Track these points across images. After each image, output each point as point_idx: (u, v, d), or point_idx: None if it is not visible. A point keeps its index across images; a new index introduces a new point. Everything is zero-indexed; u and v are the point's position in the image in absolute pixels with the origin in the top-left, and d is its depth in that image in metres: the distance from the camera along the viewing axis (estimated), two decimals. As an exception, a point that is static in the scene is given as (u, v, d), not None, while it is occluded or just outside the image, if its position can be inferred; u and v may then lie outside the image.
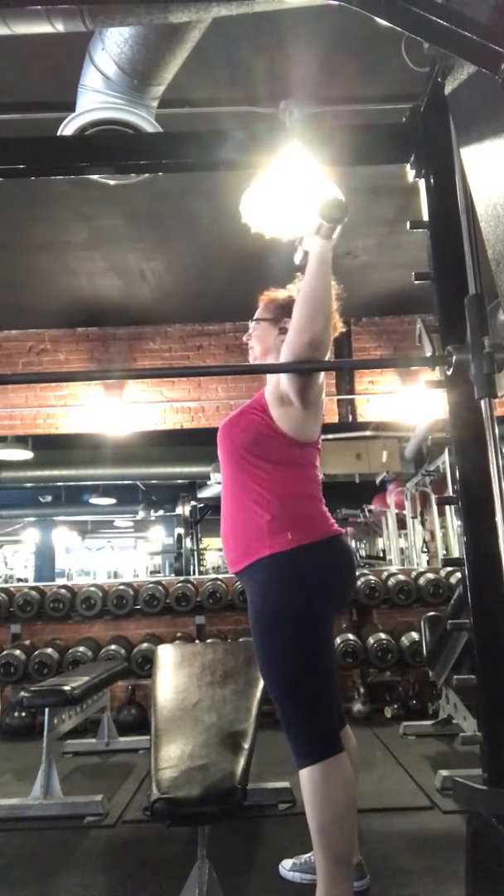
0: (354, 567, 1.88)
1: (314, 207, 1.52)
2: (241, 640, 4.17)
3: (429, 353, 1.37)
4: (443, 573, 4.68)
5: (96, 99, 2.37)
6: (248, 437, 1.80)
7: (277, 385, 1.76)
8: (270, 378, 1.82)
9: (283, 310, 1.88)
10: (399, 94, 2.53)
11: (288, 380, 1.70)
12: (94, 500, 10.02)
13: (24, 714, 4.14)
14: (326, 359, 1.79)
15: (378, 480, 8.03)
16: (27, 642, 4.58)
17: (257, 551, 1.71)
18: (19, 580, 12.74)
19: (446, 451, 5.85)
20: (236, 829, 2.46)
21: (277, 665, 1.69)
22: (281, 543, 1.69)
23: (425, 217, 1.52)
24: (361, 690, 4.30)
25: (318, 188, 1.53)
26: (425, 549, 7.94)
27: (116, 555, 16.42)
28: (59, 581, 9.66)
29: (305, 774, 1.62)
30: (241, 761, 1.77)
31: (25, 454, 6.05)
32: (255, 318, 1.97)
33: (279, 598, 1.68)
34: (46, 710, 2.85)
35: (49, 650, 4.35)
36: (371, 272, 4.70)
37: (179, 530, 10.56)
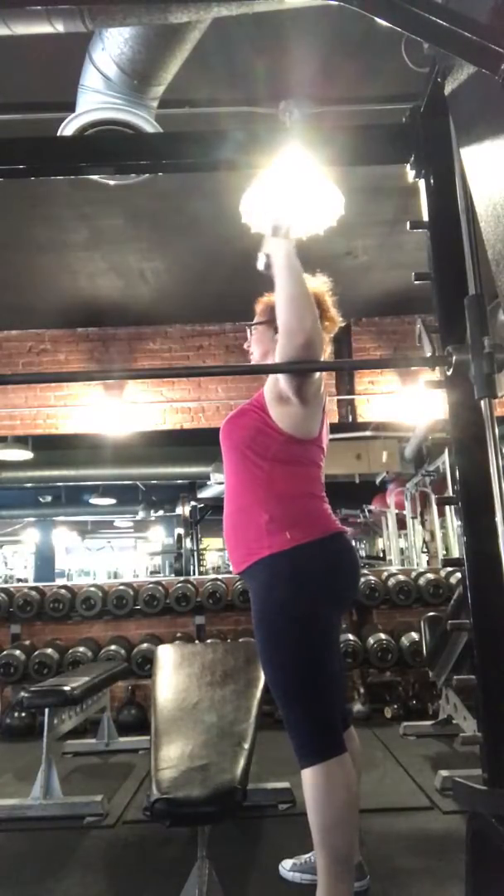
0: (357, 565, 1.88)
1: (267, 209, 1.51)
2: (241, 640, 4.17)
3: (429, 353, 1.37)
4: (443, 573, 4.68)
5: (96, 99, 2.37)
6: (248, 435, 1.80)
7: (276, 384, 1.76)
8: (269, 377, 1.83)
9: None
10: (399, 94, 2.53)
11: (286, 380, 1.71)
12: (94, 501, 10.01)
13: (24, 714, 4.14)
14: (325, 354, 1.80)
15: (378, 480, 8.03)
16: (27, 642, 4.58)
17: (257, 552, 1.71)
18: (19, 580, 12.73)
19: (446, 451, 5.85)
20: (236, 829, 2.45)
21: (279, 665, 1.69)
22: (280, 543, 1.69)
23: (425, 217, 1.52)
24: (361, 690, 4.29)
25: (316, 188, 1.53)
26: (425, 550, 7.94)
27: (116, 555, 16.41)
28: (59, 581, 9.67)
29: (308, 774, 1.62)
30: (241, 761, 1.77)
31: (25, 454, 6.05)
32: (251, 323, 1.98)
33: (280, 598, 1.68)
34: (46, 710, 2.85)
35: (49, 650, 4.35)
36: (371, 272, 4.70)
37: (179, 530, 10.55)
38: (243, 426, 1.83)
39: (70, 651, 4.37)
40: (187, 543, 10.12)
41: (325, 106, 2.85)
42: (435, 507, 7.47)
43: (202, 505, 9.97)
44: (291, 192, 1.55)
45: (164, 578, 6.50)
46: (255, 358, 1.96)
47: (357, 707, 4.18)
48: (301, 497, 1.78)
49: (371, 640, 4.30)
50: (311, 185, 1.53)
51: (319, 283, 1.90)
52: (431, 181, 1.52)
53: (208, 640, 4.42)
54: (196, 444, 6.05)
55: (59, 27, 1.91)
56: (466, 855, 1.11)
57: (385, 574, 4.77)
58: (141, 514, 11.44)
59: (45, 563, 12.55)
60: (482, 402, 1.17)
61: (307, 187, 1.53)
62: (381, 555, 11.16)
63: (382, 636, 4.34)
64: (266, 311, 1.95)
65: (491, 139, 1.04)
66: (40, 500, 10.35)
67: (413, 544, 8.32)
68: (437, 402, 1.44)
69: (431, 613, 3.61)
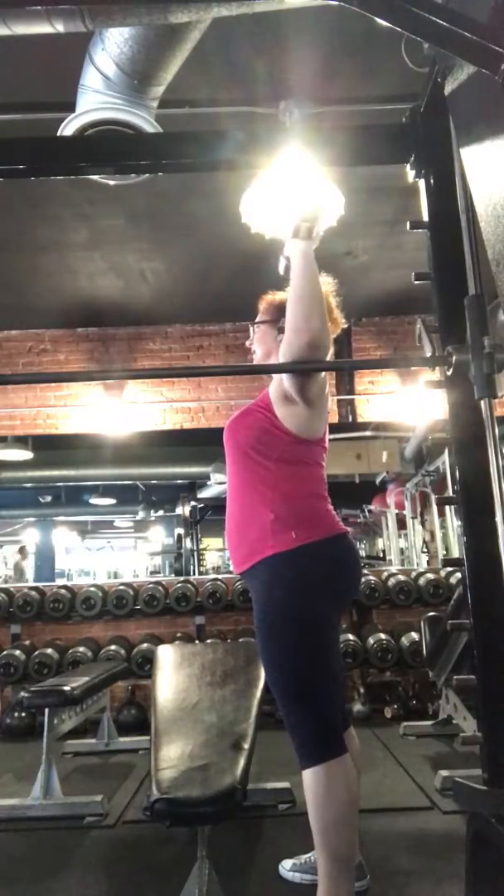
0: (359, 566, 1.88)
1: (290, 211, 1.51)
2: (241, 640, 4.17)
3: (429, 353, 1.37)
4: (443, 573, 4.68)
5: (96, 99, 2.37)
6: (253, 434, 1.80)
7: (281, 384, 1.76)
8: (275, 377, 1.83)
9: (281, 310, 1.88)
10: (399, 94, 2.53)
11: (289, 379, 1.70)
12: (94, 501, 10.02)
13: (24, 714, 4.14)
14: (328, 356, 1.80)
15: (378, 480, 8.03)
16: (27, 642, 4.58)
17: (261, 551, 1.71)
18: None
19: (446, 451, 5.85)
20: (236, 829, 2.45)
21: (280, 665, 1.69)
22: (285, 543, 1.68)
23: (425, 217, 1.52)
24: (361, 690, 4.30)
25: (316, 189, 1.53)
26: (425, 550, 7.94)
27: (116, 555, 16.41)
28: (59, 581, 9.67)
29: (309, 775, 1.62)
30: (241, 761, 1.77)
31: (25, 454, 6.05)
32: (254, 321, 1.98)
33: (283, 598, 1.68)
34: (46, 710, 2.85)
35: (49, 650, 4.35)
36: (371, 272, 4.70)
37: (179, 530, 10.55)
38: (248, 426, 1.83)
39: (70, 651, 4.36)
40: (187, 543, 10.12)
41: (325, 106, 2.86)
42: (435, 507, 7.47)
43: (202, 505, 9.97)
44: (294, 191, 1.55)
45: (164, 578, 6.49)
46: (258, 357, 1.95)
47: (357, 707, 4.18)
48: (306, 497, 1.78)
49: (371, 640, 4.30)
50: (312, 184, 1.53)
51: (324, 284, 1.89)
52: (431, 181, 1.52)
53: (208, 640, 4.42)
54: (196, 444, 6.06)
55: (59, 27, 1.92)
56: (466, 855, 1.11)
57: (385, 574, 4.77)
58: (141, 514, 11.44)
59: (45, 563, 12.54)
60: (482, 402, 1.17)
61: (308, 187, 1.54)
62: (381, 555, 11.16)
63: (382, 636, 4.33)
64: (269, 310, 1.94)
65: (491, 139, 1.04)
66: (40, 500, 10.35)
67: (413, 544, 8.32)
68: (437, 402, 1.44)
69: (431, 613, 3.60)
